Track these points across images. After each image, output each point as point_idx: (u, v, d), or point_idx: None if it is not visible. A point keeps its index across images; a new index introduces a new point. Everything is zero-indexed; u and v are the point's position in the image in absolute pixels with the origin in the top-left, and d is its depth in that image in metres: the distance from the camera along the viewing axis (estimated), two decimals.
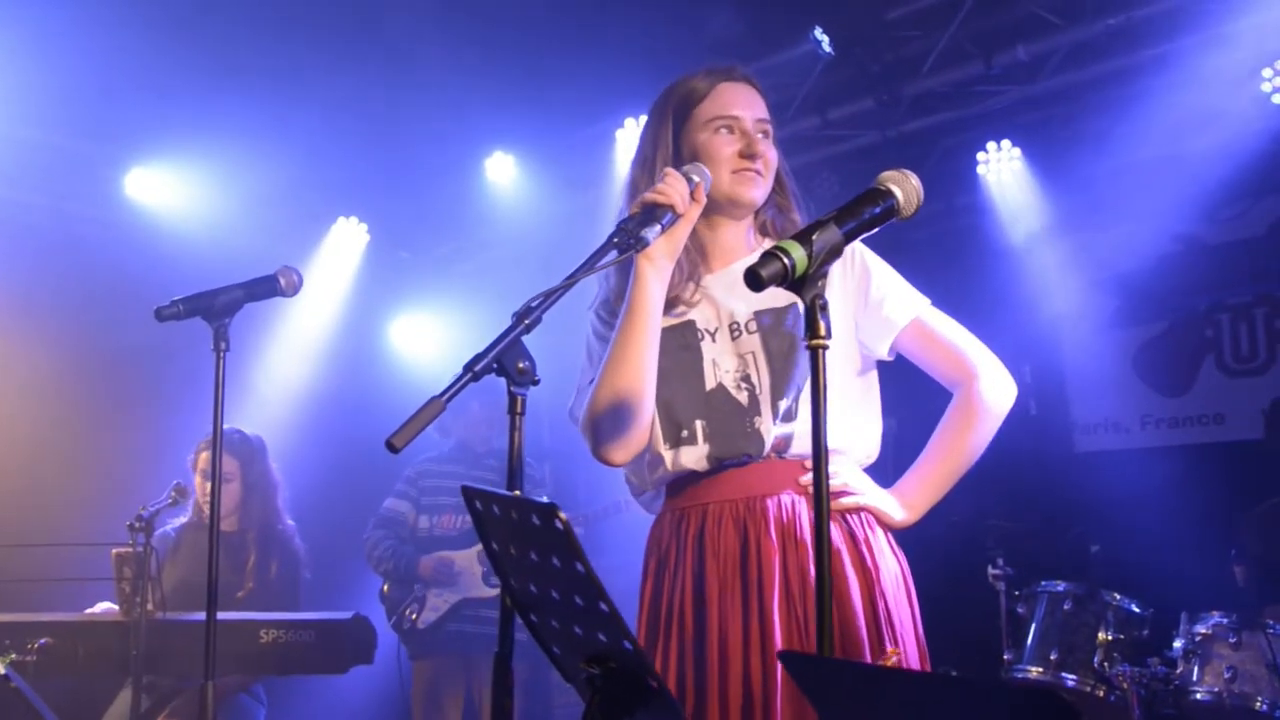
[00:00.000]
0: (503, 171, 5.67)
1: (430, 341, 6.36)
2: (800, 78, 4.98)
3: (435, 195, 5.93)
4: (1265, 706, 3.66)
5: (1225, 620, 3.82)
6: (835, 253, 1.57)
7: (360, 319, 6.11)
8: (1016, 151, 5.24)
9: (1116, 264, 5.44)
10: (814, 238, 1.56)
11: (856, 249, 2.12)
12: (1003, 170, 5.27)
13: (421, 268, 6.48)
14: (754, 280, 1.52)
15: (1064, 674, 4.00)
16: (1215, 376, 5.37)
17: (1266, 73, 4.56)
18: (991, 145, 5.25)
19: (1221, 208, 5.22)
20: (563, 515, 1.39)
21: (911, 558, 2.14)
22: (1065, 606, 4.07)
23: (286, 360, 5.66)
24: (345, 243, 5.96)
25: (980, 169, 5.31)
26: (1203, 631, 3.83)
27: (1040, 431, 5.30)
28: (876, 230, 1.67)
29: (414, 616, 4.62)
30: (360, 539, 4.78)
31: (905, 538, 2.16)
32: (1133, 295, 5.45)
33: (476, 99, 4.93)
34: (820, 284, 1.55)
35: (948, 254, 5.49)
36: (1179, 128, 4.68)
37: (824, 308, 1.53)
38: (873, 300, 2.13)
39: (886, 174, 1.69)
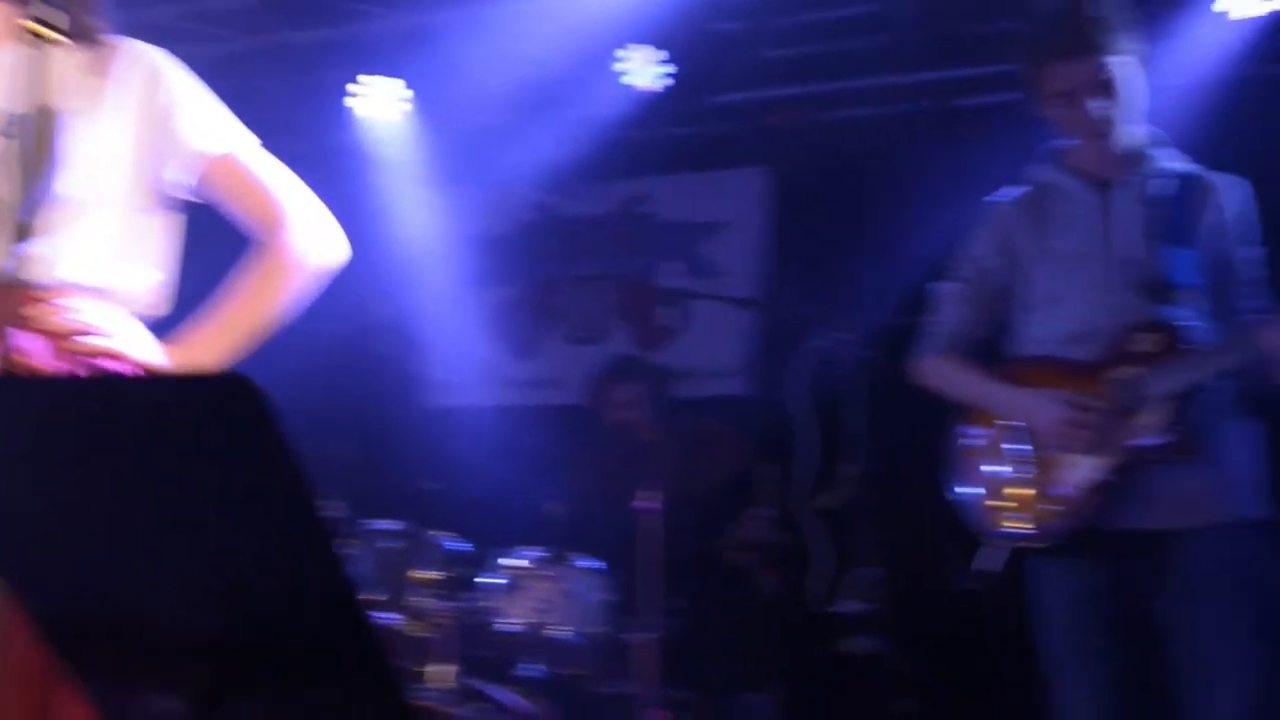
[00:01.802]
0: None
1: None
2: None
3: None
4: (569, 633, 3.88)
5: (536, 555, 4.00)
6: None
7: None
8: (394, 87, 5.11)
9: (482, 224, 5.57)
10: None
11: (167, 68, 1.88)
12: (378, 107, 5.13)
13: None
14: None
15: (385, 613, 3.96)
16: (559, 343, 5.67)
17: (620, 53, 4.88)
18: (367, 78, 5.04)
19: (579, 182, 5.53)
20: None
21: None
22: (387, 545, 4.05)
23: None
24: None
25: (351, 102, 5.16)
26: (517, 565, 3.98)
27: (393, 382, 5.29)
28: None
29: None
30: None
31: None
32: (494, 257, 5.61)
33: None
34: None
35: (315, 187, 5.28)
36: (539, 97, 4.88)
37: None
38: (177, 124, 1.88)
39: None
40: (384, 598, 3.92)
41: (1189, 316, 2.46)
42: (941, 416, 2.76)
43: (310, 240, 2.00)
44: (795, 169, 5.38)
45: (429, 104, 5.13)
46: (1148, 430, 2.40)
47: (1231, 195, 2.54)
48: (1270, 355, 2.30)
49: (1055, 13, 2.56)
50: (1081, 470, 2.45)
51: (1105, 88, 2.47)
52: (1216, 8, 4.55)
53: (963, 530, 2.65)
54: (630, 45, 4.86)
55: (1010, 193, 2.69)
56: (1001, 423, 2.59)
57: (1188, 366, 2.37)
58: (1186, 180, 2.54)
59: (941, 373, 2.70)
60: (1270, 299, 2.52)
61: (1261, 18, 4.52)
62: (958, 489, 2.67)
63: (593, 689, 4.00)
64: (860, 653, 3.51)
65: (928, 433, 2.85)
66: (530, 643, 3.91)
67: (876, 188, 5.13)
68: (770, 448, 4.16)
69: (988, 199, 2.72)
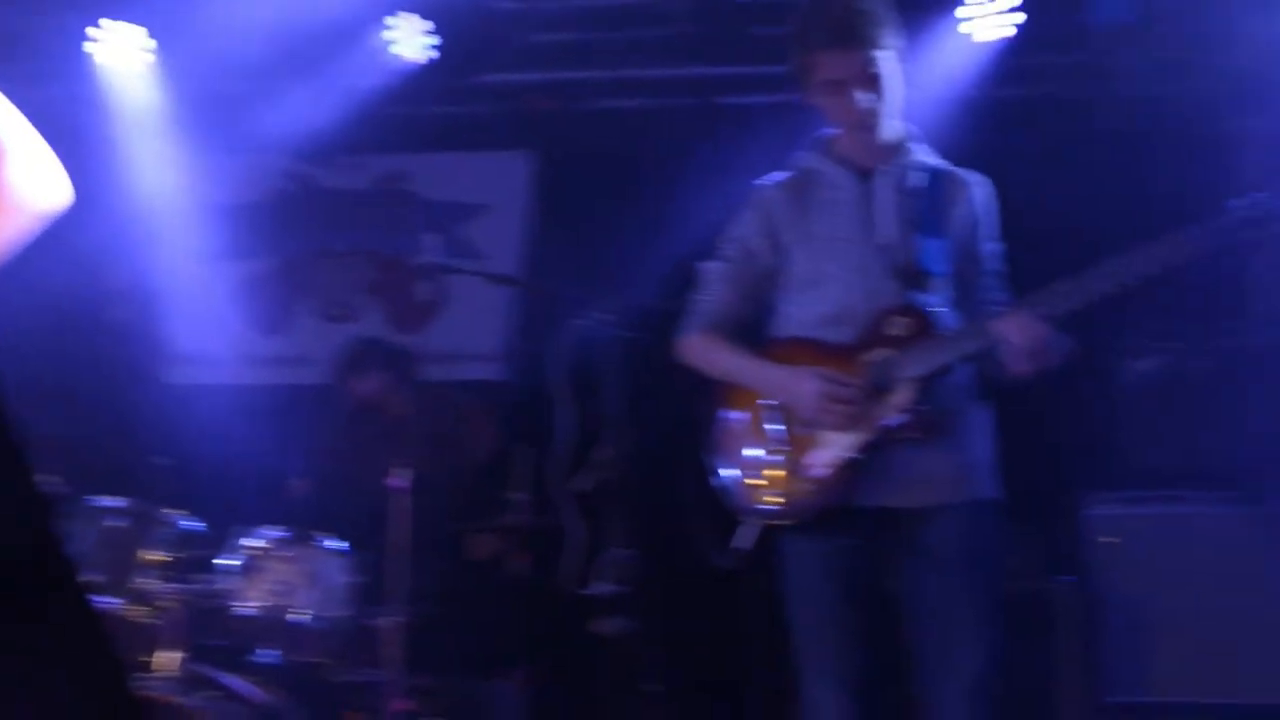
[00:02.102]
0: None
1: None
2: None
3: None
4: (302, 617, 3.70)
5: (278, 535, 3.80)
6: None
7: None
8: (137, 35, 4.74)
9: (231, 190, 5.28)
10: None
11: None
12: (118, 56, 4.76)
13: None
14: None
15: (106, 598, 3.68)
16: (310, 320, 5.44)
17: (389, 20, 4.73)
18: (108, 23, 4.66)
19: (337, 154, 5.32)
20: None
21: None
22: (112, 523, 3.76)
23: None
24: None
25: (91, 48, 4.77)
26: (255, 545, 3.77)
27: (128, 353, 4.94)
28: None
29: None
30: None
31: None
32: (242, 226, 5.32)
33: None
34: None
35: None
36: (297, 59, 4.66)
37: None
38: None
39: None
40: (106, 579, 3.64)
41: (939, 303, 2.56)
42: (700, 397, 2.78)
43: (29, 178, 1.82)
44: (560, 154, 5.36)
45: (175, 56, 4.82)
46: (897, 410, 2.48)
47: (979, 192, 2.68)
48: (1002, 344, 2.40)
49: (827, 4, 2.62)
50: (833, 449, 2.51)
51: (871, 80, 2.55)
52: (962, 29, 4.81)
53: (720, 509, 2.68)
54: (399, 13, 4.72)
55: (776, 177, 2.74)
56: (759, 402, 2.63)
57: (937, 350, 2.46)
58: (941, 174, 2.66)
59: (704, 350, 2.72)
60: (1008, 291, 2.65)
61: (1001, 41, 4.81)
62: (716, 468, 2.69)
63: (332, 676, 3.83)
64: (611, 635, 3.50)
65: (686, 414, 2.87)
66: (267, 627, 3.71)
67: (640, 177, 5.17)
68: (526, 428, 4.11)
69: (755, 182, 2.76)
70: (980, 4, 4.74)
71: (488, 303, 5.09)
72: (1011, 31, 4.77)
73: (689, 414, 2.85)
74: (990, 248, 2.68)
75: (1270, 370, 4.24)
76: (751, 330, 2.73)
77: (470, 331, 5.26)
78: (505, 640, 4.22)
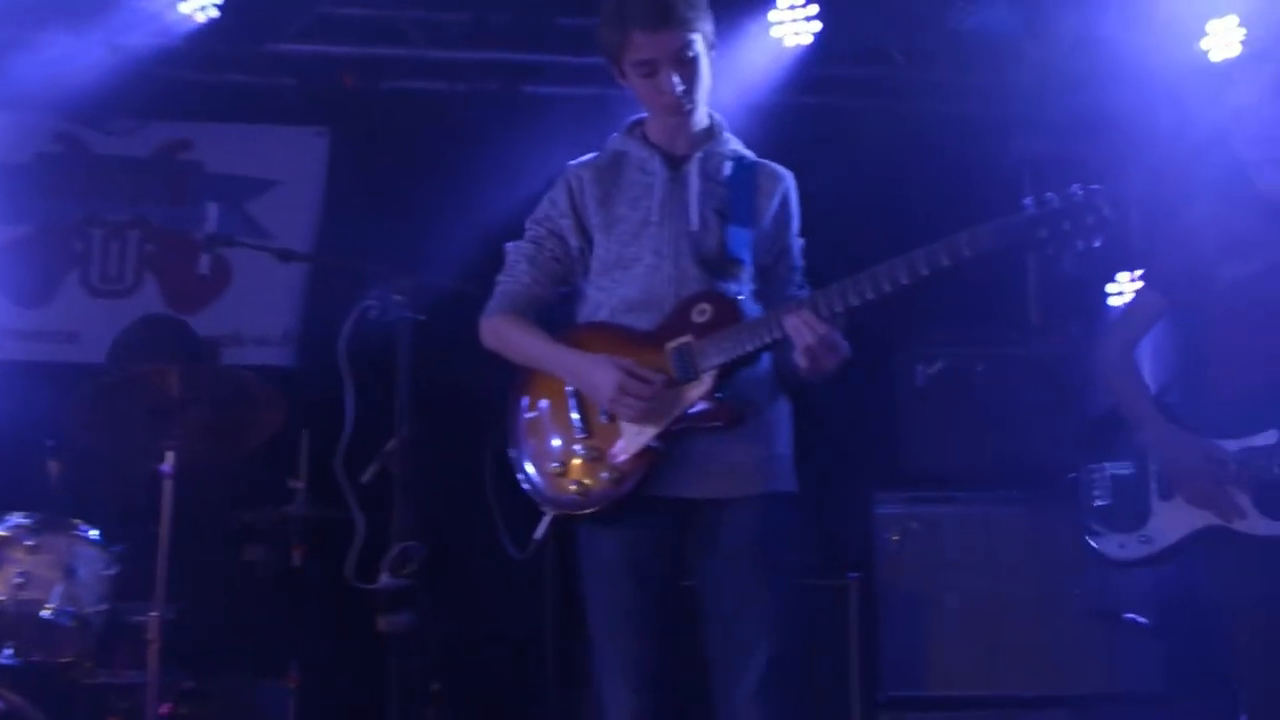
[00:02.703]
0: None
1: None
2: None
3: None
4: (51, 613, 3.40)
5: (26, 521, 3.48)
6: None
7: None
8: None
9: None
10: None
11: None
12: None
13: None
14: None
15: None
16: (78, 293, 5.05)
17: None
18: None
19: (114, 117, 4.97)
20: None
21: None
22: None
23: None
24: None
25: None
26: None
27: None
28: None
29: None
30: None
31: None
32: (4, 189, 4.90)
33: None
34: None
35: None
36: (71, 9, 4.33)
37: None
38: None
39: None
40: None
41: (745, 292, 2.52)
42: (500, 383, 2.68)
43: None
44: (358, 132, 5.15)
45: None
46: (698, 399, 2.43)
47: (786, 185, 2.66)
48: (791, 338, 2.37)
49: None
50: (632, 438, 2.45)
51: (686, 63, 2.49)
52: (773, 33, 4.85)
53: (516, 499, 2.58)
54: None
55: (586, 158, 2.67)
56: (561, 388, 2.54)
57: (739, 339, 2.42)
58: (751, 165, 2.63)
59: (504, 333, 2.63)
60: (808, 284, 2.64)
61: (803, 48, 4.88)
62: (513, 456, 2.59)
63: (87, 678, 3.54)
64: (396, 631, 3.33)
65: (486, 400, 2.76)
66: (11, 624, 3.39)
67: (441, 160, 5.02)
68: (311, 414, 3.91)
69: (569, 163, 2.69)
70: (790, 9, 4.80)
71: (275, 282, 4.84)
72: (809, 39, 4.85)
73: (488, 400, 2.74)
74: (795, 241, 2.66)
75: (1043, 376, 4.45)
76: (558, 313, 2.65)
77: (256, 312, 4.99)
78: (279, 638, 3.98)
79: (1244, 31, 4.39)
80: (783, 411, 2.59)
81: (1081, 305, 5.16)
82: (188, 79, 4.90)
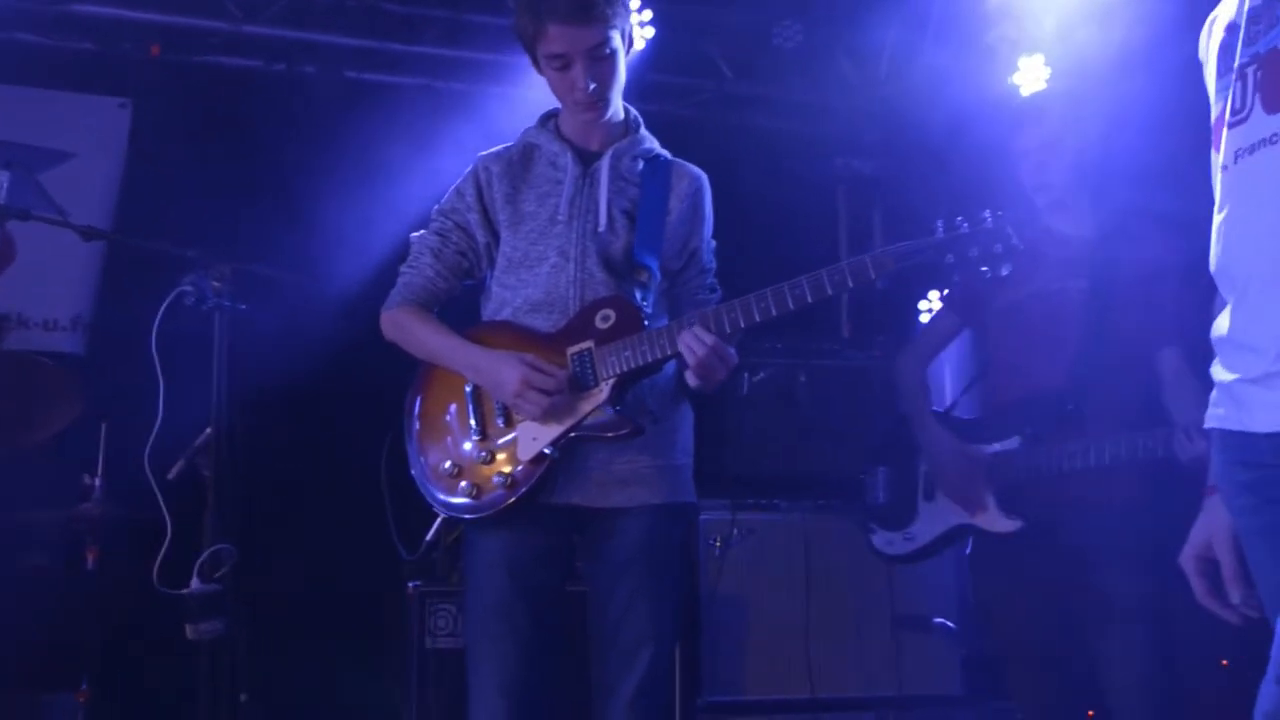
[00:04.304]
0: None
1: None
2: None
3: None
4: None
5: None
6: None
7: None
8: None
9: None
10: None
11: None
12: None
13: None
14: None
15: None
16: None
17: None
18: None
19: None
20: None
21: None
22: None
23: None
24: None
25: None
26: None
27: None
28: None
29: None
30: None
31: None
32: None
33: None
34: None
35: None
36: None
37: None
38: None
39: None
40: None
41: (650, 298, 2.46)
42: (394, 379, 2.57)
43: None
44: (163, 106, 4.83)
45: None
46: (597, 406, 2.37)
47: (699, 185, 2.61)
48: (683, 352, 2.32)
49: None
50: (528, 444, 2.38)
51: (602, 61, 2.44)
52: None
53: (411, 500, 2.49)
54: None
55: (497, 149, 2.59)
56: (460, 387, 2.46)
57: (641, 348, 2.35)
58: (664, 164, 2.59)
59: (405, 324, 2.52)
60: (719, 287, 2.62)
61: (639, 53, 4.85)
62: (408, 455, 2.50)
63: None
64: (204, 640, 3.12)
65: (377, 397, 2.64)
66: None
67: (252, 139, 4.79)
68: (111, 404, 3.64)
69: (479, 153, 2.59)
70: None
71: (66, 262, 4.49)
72: (641, 45, 4.84)
73: (380, 397, 2.67)
74: (709, 244, 2.62)
75: (856, 388, 4.60)
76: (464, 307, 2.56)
77: (43, 293, 4.62)
78: (71, 647, 3.68)
79: (1048, 71, 4.61)
80: (684, 420, 2.56)
81: (889, 320, 5.35)
82: None
